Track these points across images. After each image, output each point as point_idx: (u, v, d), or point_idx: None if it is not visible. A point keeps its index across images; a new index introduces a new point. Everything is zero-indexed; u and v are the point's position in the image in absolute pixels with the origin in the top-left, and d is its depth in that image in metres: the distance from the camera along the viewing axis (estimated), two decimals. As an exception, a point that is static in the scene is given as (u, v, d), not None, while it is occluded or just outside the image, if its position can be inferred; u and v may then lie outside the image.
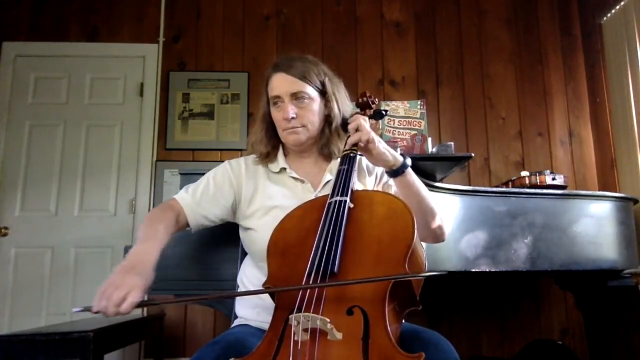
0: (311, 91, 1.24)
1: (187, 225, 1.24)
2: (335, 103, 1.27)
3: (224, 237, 1.50)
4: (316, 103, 1.25)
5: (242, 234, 1.29)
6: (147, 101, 3.21)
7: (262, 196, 1.26)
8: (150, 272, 1.00)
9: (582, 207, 2.16)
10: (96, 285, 3.01)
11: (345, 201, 1.02)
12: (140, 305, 0.93)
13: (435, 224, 1.17)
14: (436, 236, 1.20)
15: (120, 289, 0.91)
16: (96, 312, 0.91)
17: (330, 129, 1.28)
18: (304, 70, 1.23)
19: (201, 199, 1.24)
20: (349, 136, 1.20)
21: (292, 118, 1.22)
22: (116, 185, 3.12)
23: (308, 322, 0.82)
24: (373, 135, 1.14)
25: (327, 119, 1.28)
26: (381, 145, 1.14)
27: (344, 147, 1.19)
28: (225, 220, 1.29)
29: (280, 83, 1.23)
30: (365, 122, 1.17)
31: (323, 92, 1.27)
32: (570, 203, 2.15)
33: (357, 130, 1.15)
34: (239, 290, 1.29)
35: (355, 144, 1.14)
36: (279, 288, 0.95)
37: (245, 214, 1.26)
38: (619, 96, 2.98)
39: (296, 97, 1.22)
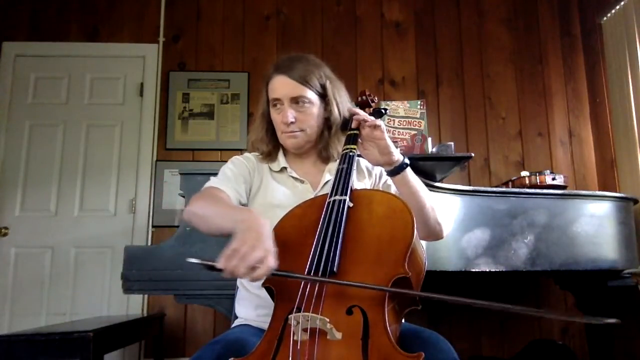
0: (311, 95, 1.23)
1: None
2: (335, 106, 1.26)
3: (224, 238, 1.50)
4: (316, 107, 1.24)
5: (242, 232, 1.29)
6: (147, 101, 3.21)
7: (264, 193, 1.26)
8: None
9: (582, 207, 2.16)
10: (97, 285, 3.00)
11: (345, 200, 1.02)
12: (274, 274, 0.83)
13: (434, 221, 1.17)
14: (435, 234, 1.20)
15: (257, 250, 0.81)
16: (218, 270, 0.79)
17: (330, 132, 1.28)
18: (305, 74, 1.22)
19: (237, 185, 1.23)
20: (350, 134, 1.20)
21: (291, 122, 1.22)
22: (116, 185, 3.12)
23: (307, 322, 0.82)
24: (381, 123, 1.16)
25: (327, 122, 1.27)
26: (387, 138, 1.16)
27: (348, 130, 1.22)
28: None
29: (281, 86, 1.23)
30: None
31: (323, 95, 1.26)
32: (570, 203, 2.15)
33: (363, 121, 1.18)
34: (238, 292, 1.28)
35: (358, 130, 1.19)
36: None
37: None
38: (619, 96, 2.98)
39: (296, 101, 1.22)
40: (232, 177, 1.24)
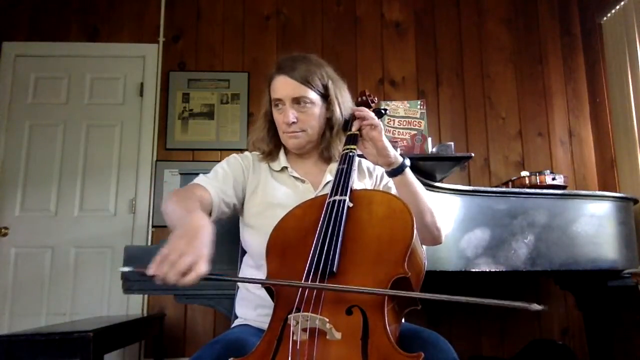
0: (313, 95, 1.23)
1: (209, 213, 1.17)
2: (337, 107, 1.26)
3: (223, 238, 1.49)
4: (317, 107, 1.24)
5: (241, 232, 1.29)
6: (147, 101, 3.21)
7: (263, 193, 1.26)
8: (211, 243, 0.89)
9: (582, 207, 2.16)
10: (97, 285, 2.99)
11: (345, 200, 1.02)
12: (205, 278, 0.83)
13: (433, 224, 1.17)
14: (434, 238, 1.19)
15: (187, 256, 0.81)
16: (151, 277, 0.80)
17: (332, 132, 1.28)
18: (307, 74, 1.22)
19: (223, 184, 1.22)
20: (350, 134, 1.20)
21: (293, 123, 1.22)
22: (116, 185, 3.12)
23: (307, 322, 0.82)
24: (379, 123, 1.16)
25: (329, 122, 1.27)
26: (385, 139, 1.16)
27: (348, 130, 1.22)
28: (236, 207, 1.26)
29: (282, 86, 1.22)
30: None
31: (325, 96, 1.25)
32: (570, 203, 2.15)
33: (364, 119, 1.18)
34: (238, 292, 1.29)
35: (359, 130, 1.19)
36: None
37: (246, 208, 1.26)
38: (619, 96, 2.98)
39: (297, 101, 1.22)
40: (220, 176, 1.24)
